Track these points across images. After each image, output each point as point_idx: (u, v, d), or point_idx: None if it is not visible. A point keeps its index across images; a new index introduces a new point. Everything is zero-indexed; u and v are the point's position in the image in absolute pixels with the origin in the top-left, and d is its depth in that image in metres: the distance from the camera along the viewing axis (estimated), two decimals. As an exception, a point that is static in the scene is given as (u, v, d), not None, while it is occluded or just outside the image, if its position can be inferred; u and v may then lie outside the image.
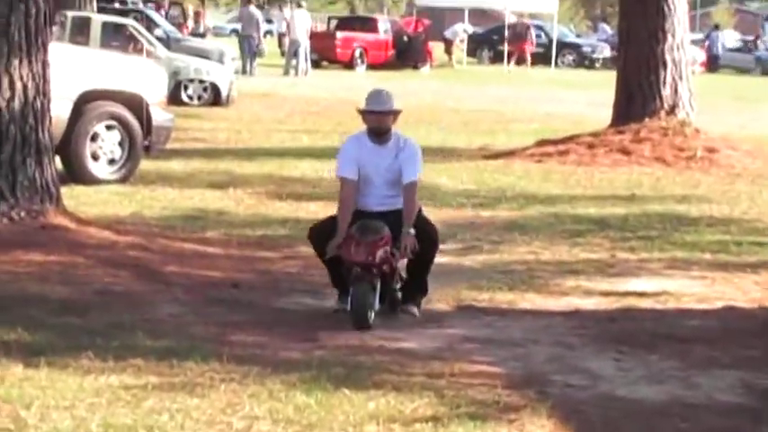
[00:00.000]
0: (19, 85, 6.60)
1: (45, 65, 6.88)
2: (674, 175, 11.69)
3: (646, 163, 12.07)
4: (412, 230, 5.54)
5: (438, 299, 6.28)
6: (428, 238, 5.71)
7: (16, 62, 6.57)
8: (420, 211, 5.87)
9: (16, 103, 6.60)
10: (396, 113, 5.81)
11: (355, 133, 6.05)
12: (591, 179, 11.35)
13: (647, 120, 12.44)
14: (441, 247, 6.42)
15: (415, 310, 5.84)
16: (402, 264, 5.76)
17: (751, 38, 42.19)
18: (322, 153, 12.04)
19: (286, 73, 26.39)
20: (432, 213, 7.08)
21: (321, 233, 5.71)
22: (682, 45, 12.70)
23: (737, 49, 40.45)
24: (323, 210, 8.03)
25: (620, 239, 8.37)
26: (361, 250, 5.43)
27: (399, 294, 5.87)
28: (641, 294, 6.67)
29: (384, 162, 5.74)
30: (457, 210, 9.43)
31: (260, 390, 4.43)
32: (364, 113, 5.77)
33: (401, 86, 20.54)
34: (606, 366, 5.16)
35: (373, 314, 5.53)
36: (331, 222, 5.74)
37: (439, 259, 6.35)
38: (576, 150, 12.33)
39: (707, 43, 38.17)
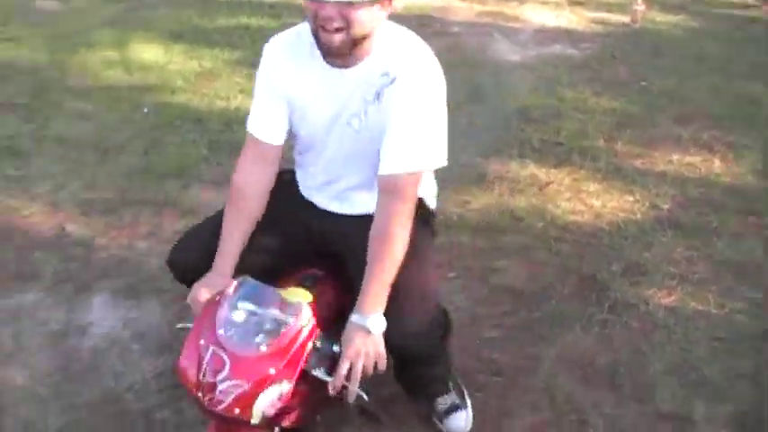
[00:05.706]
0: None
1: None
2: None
3: None
4: (373, 323, 1.99)
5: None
6: (424, 319, 2.12)
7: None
8: (415, 254, 2.08)
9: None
10: None
11: (285, 33, 2.20)
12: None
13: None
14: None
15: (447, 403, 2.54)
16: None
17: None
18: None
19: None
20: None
21: (186, 253, 2.26)
22: None
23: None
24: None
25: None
26: (218, 389, 1.83)
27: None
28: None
29: (353, 105, 2.11)
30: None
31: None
32: None
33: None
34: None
35: None
36: (209, 235, 2.23)
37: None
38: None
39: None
